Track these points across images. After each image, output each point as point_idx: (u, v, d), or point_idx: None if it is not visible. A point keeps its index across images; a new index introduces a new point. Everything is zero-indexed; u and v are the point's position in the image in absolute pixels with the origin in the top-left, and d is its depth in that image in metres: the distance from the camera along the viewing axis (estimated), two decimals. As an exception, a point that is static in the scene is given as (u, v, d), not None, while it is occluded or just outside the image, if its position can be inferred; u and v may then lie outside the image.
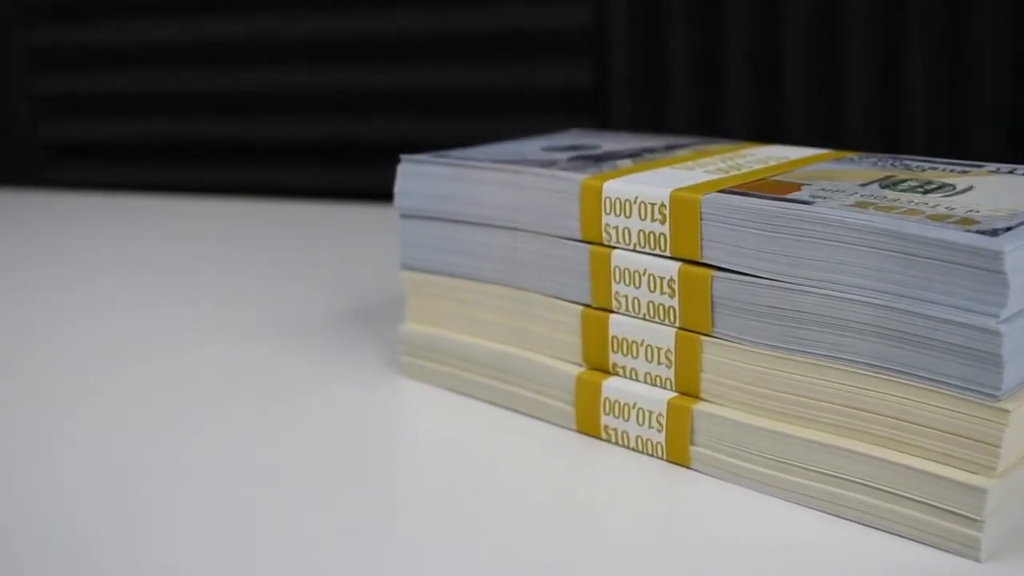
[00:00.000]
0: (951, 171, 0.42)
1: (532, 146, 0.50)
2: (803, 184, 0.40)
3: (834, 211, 0.36)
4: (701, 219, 0.39)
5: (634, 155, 0.47)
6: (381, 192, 0.97)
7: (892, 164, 0.43)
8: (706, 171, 0.43)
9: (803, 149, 0.47)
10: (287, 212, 0.92)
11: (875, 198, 0.37)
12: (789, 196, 0.38)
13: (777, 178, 0.41)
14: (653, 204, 0.40)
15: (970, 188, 0.39)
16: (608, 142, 0.51)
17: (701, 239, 0.39)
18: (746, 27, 0.82)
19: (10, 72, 1.11)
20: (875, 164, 0.43)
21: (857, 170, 0.42)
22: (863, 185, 0.39)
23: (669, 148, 0.49)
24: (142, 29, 1.03)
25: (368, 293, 0.65)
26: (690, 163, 0.45)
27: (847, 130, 0.80)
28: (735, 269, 0.38)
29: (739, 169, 0.43)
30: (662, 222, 0.40)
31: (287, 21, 0.97)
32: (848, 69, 0.79)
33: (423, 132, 0.94)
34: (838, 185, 0.40)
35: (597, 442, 0.43)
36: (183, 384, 0.51)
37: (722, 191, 0.39)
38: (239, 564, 0.35)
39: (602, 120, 0.88)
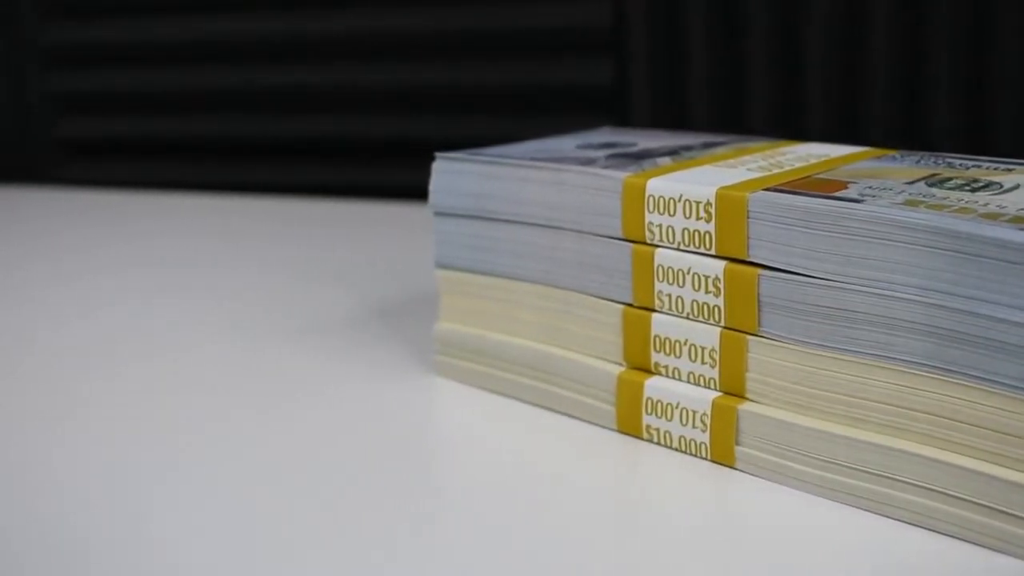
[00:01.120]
0: (995, 169, 0.41)
1: (567, 144, 0.50)
2: (849, 182, 0.39)
3: (886, 209, 0.36)
4: (748, 217, 0.39)
5: (672, 153, 0.47)
6: (398, 190, 0.97)
7: (935, 162, 0.43)
8: (749, 169, 0.42)
9: (843, 147, 0.47)
10: (302, 210, 0.92)
11: (924, 196, 0.37)
12: (837, 194, 0.38)
13: (821, 176, 0.41)
14: (698, 202, 0.40)
15: (1017, 186, 0.39)
16: (643, 140, 0.50)
17: (748, 237, 0.39)
18: (767, 24, 0.82)
19: (24, 70, 1.10)
20: (918, 162, 0.43)
21: (901, 168, 0.42)
22: (909, 183, 0.39)
23: (707, 146, 0.48)
24: (158, 26, 1.03)
25: (389, 292, 0.65)
26: (731, 161, 0.44)
27: (869, 127, 0.80)
28: (783, 268, 0.38)
29: (781, 167, 0.43)
30: (707, 220, 0.40)
31: (306, 19, 0.97)
32: (871, 66, 0.79)
33: (440, 130, 0.94)
34: (884, 183, 0.39)
35: (638, 442, 0.43)
36: (208, 383, 0.51)
37: (768, 189, 0.39)
38: (268, 568, 0.35)
39: (622, 118, 0.88)
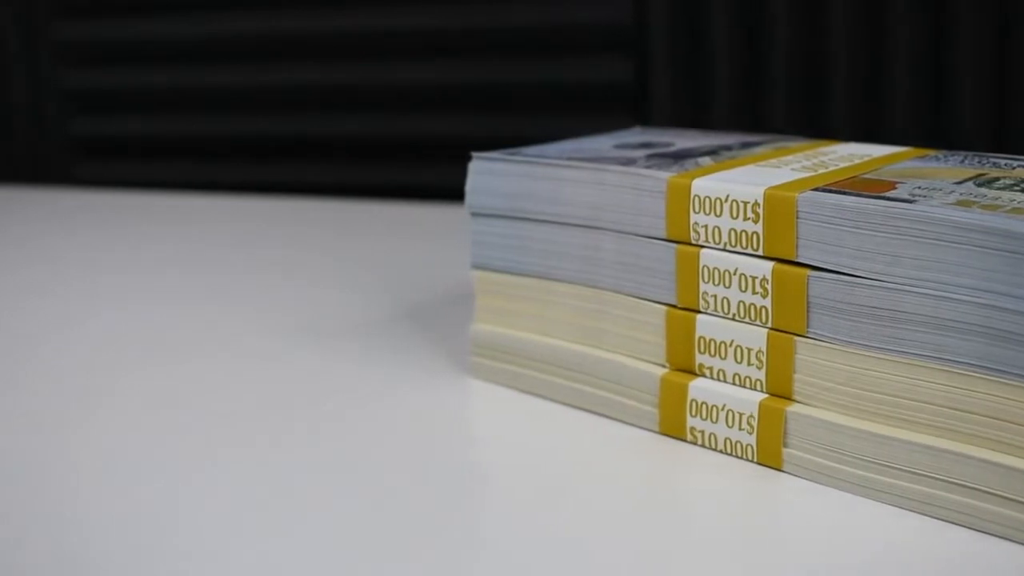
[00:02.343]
0: (1041, 169, 0.41)
1: (602, 143, 0.50)
2: (897, 182, 0.39)
3: (939, 209, 0.35)
4: (797, 218, 0.38)
5: (712, 152, 0.46)
6: (418, 191, 0.97)
7: (980, 162, 0.43)
8: (793, 169, 0.42)
9: (884, 147, 0.47)
10: (325, 212, 0.92)
11: (976, 196, 0.37)
12: (888, 194, 0.37)
13: (867, 176, 0.40)
14: (746, 202, 0.40)
15: (1066, 186, 0.38)
16: (680, 139, 0.50)
17: (797, 238, 0.38)
18: (789, 23, 0.81)
19: (38, 68, 1.10)
20: (962, 162, 0.43)
21: (946, 168, 0.42)
22: (958, 183, 0.39)
23: (745, 145, 0.48)
24: (174, 24, 1.02)
25: (418, 294, 0.65)
26: (774, 161, 0.44)
27: (892, 127, 0.80)
28: (832, 269, 0.38)
29: (826, 167, 0.43)
30: (755, 221, 0.39)
31: (328, 17, 0.97)
32: (892, 67, 0.79)
33: (461, 128, 0.94)
34: (933, 183, 0.39)
35: (681, 444, 0.43)
36: (239, 388, 0.50)
37: (817, 189, 0.39)
38: (306, 571, 0.34)
39: (642, 117, 0.87)
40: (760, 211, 0.39)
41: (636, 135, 0.52)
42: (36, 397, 0.50)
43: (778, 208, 0.39)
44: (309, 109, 0.99)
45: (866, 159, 0.44)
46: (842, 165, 0.43)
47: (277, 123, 1.00)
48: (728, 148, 0.47)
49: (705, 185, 0.41)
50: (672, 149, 0.47)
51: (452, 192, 0.95)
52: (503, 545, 0.35)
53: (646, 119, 0.87)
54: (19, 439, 0.45)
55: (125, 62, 1.05)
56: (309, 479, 0.40)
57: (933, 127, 0.79)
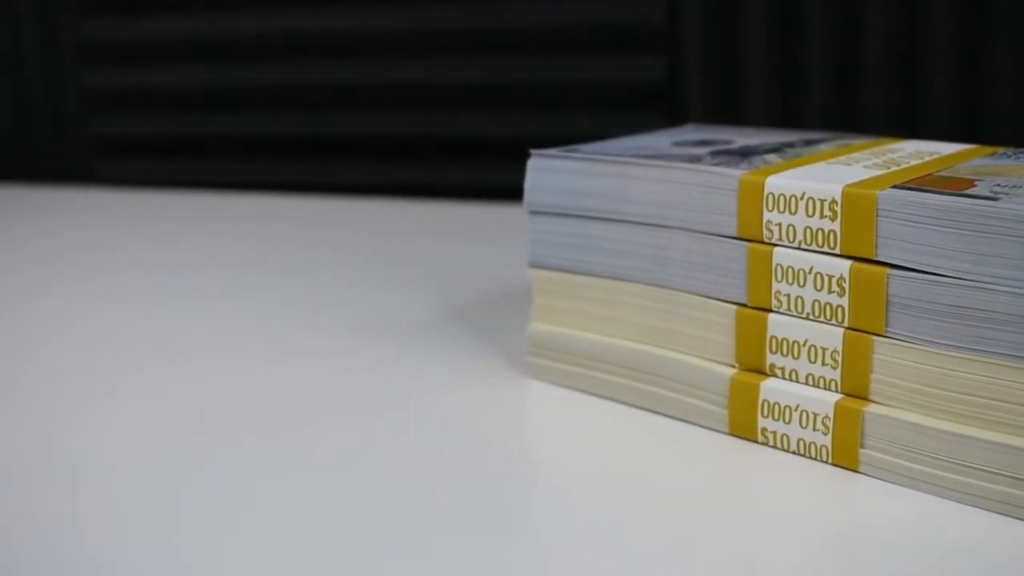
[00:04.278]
0: (1115, 166, 0.41)
1: (660, 141, 0.49)
2: (975, 180, 0.39)
3: (1028, 207, 0.35)
4: (877, 216, 0.38)
5: (776, 150, 0.46)
6: (450, 189, 0.96)
7: (1051, 159, 0.42)
8: (865, 167, 0.42)
9: (950, 144, 0.46)
10: (340, 210, 0.91)
11: (1059, 194, 0.36)
12: (969, 192, 0.37)
13: (943, 174, 0.40)
14: (823, 200, 0.39)
15: None
16: (739, 137, 0.50)
17: (876, 236, 0.38)
18: (823, 19, 0.81)
19: (58, 67, 1.09)
20: (1033, 159, 0.42)
21: (1018, 165, 0.41)
22: (1036, 181, 0.38)
23: (808, 143, 0.47)
24: (196, 22, 1.02)
25: (467, 293, 0.64)
26: (842, 158, 0.44)
27: (927, 124, 0.79)
28: (913, 267, 0.37)
29: (897, 165, 0.42)
30: (832, 219, 0.39)
31: (364, 15, 0.96)
32: (930, 61, 0.78)
33: (492, 127, 0.93)
34: (1010, 180, 0.39)
35: (752, 445, 0.42)
36: (296, 389, 0.50)
37: (897, 187, 0.38)
38: (359, 571, 0.34)
39: (676, 116, 0.87)
40: (838, 209, 0.39)
41: (692, 132, 0.52)
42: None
43: (857, 206, 0.38)
44: (354, 108, 0.99)
45: (935, 156, 0.44)
46: (913, 163, 0.42)
47: (297, 122, 1.00)
48: (791, 145, 0.47)
49: (779, 183, 0.40)
50: (735, 146, 0.47)
51: (473, 192, 0.95)
52: (565, 546, 0.35)
53: (679, 117, 0.87)
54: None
55: (145, 61, 1.05)
56: (361, 477, 0.40)
57: (970, 125, 0.79)
